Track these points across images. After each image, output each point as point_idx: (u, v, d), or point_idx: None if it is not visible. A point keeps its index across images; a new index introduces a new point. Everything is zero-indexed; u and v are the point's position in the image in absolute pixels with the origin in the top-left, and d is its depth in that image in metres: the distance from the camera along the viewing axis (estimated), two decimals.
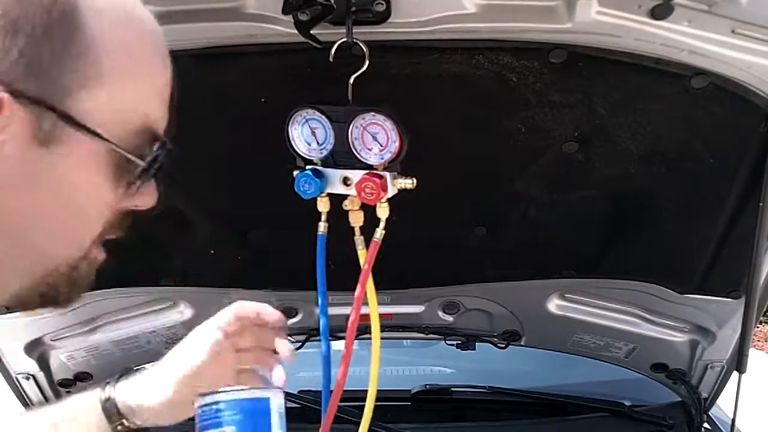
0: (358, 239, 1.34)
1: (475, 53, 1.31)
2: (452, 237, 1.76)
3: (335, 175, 1.29)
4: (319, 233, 1.36)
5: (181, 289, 1.92)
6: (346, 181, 1.29)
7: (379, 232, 1.31)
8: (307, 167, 1.31)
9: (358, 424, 1.37)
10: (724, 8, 1.18)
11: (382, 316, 2.04)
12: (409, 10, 1.21)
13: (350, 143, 1.26)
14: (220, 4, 1.21)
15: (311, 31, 1.19)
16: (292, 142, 1.30)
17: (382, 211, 1.30)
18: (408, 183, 1.28)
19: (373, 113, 1.23)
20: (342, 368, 1.30)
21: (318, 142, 1.29)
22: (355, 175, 1.27)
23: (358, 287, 1.30)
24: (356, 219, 1.33)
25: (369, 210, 1.32)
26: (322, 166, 1.30)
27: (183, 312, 2.03)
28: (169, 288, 1.91)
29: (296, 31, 1.18)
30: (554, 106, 1.40)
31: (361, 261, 1.33)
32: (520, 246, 1.77)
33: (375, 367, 1.36)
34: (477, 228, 1.72)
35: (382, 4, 1.19)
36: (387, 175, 1.26)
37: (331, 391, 1.30)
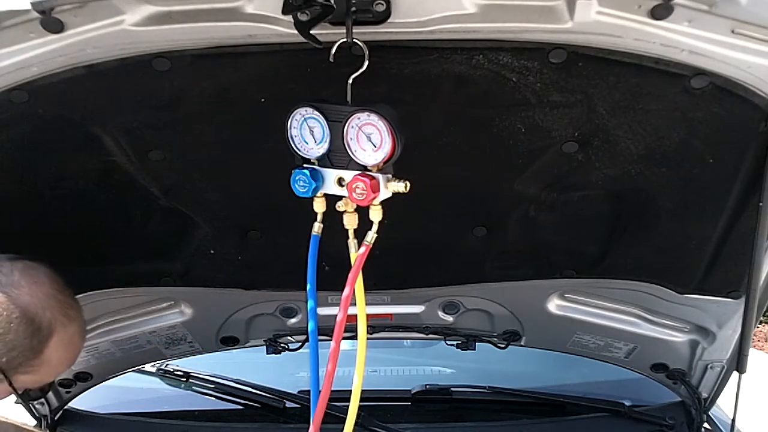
0: (352, 242, 1.33)
1: (475, 53, 1.30)
2: (452, 237, 1.76)
3: (331, 175, 1.29)
4: (313, 233, 1.36)
5: (181, 289, 1.92)
6: (340, 182, 1.29)
7: (371, 236, 1.30)
8: (305, 166, 1.31)
9: (357, 424, 1.36)
10: (724, 8, 1.18)
11: (381, 316, 2.06)
12: (409, 10, 1.21)
13: (345, 143, 1.26)
14: (220, 4, 1.21)
15: (311, 31, 1.19)
16: (292, 140, 1.30)
17: (375, 214, 1.29)
18: (401, 187, 1.27)
19: (368, 113, 1.23)
20: (330, 366, 1.29)
21: (315, 141, 1.29)
22: (349, 175, 1.27)
23: (346, 288, 1.28)
24: (350, 221, 1.33)
25: (367, 212, 1.31)
26: (319, 165, 1.30)
27: (183, 312, 2.03)
28: (169, 288, 1.91)
29: (296, 31, 1.18)
30: (554, 106, 1.40)
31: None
32: (520, 246, 1.77)
33: (360, 370, 1.33)
34: (477, 228, 1.72)
35: (382, 4, 1.18)
36: (380, 176, 1.26)
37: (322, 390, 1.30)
